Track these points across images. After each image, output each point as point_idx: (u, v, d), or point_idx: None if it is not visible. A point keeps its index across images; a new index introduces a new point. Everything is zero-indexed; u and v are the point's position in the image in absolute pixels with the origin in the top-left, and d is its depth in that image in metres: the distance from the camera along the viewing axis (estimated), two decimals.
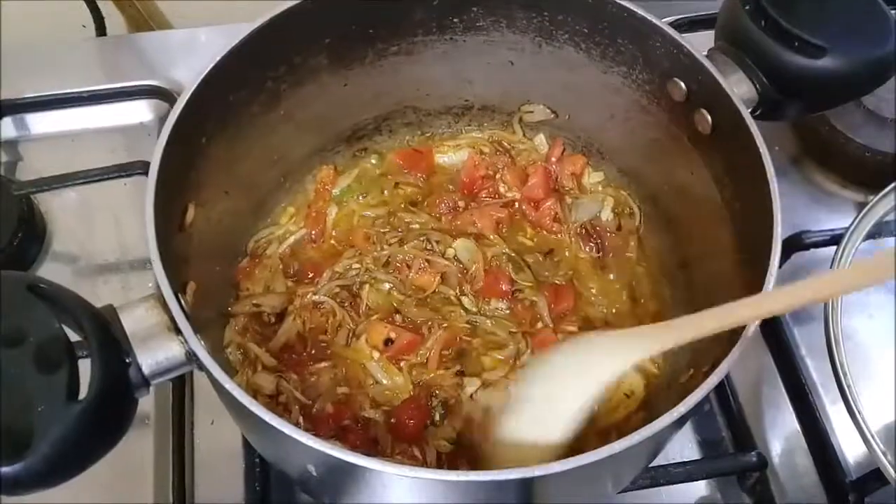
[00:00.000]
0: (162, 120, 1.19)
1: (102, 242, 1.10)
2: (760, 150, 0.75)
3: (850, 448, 0.96)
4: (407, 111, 1.05)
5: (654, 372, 0.91)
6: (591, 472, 0.65)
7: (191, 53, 1.28)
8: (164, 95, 1.21)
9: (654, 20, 0.84)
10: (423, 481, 0.61)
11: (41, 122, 1.21)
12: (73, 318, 0.62)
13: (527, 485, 0.62)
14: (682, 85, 0.85)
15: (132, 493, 0.93)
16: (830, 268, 0.93)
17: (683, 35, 0.84)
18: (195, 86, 0.77)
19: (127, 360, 0.63)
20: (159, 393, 0.96)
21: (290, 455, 0.70)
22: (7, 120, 1.19)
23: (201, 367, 0.65)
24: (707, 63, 0.81)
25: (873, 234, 0.98)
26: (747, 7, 0.85)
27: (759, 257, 0.72)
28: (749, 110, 0.79)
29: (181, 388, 0.96)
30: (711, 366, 0.67)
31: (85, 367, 0.61)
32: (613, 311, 0.97)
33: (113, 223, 1.11)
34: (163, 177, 0.72)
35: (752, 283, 0.71)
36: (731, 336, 0.69)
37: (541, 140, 1.07)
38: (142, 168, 1.07)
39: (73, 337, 0.63)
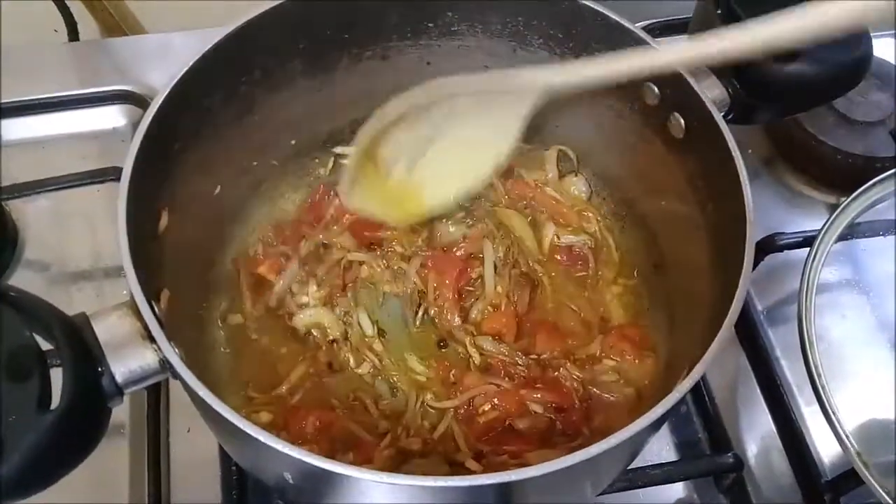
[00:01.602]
0: (135, 125, 1.17)
1: (76, 249, 1.09)
2: (733, 154, 0.76)
3: (826, 448, 0.97)
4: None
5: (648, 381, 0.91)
6: (569, 476, 0.65)
7: (164, 58, 1.27)
8: (137, 101, 1.20)
9: (628, 24, 0.84)
10: (399, 487, 0.60)
11: (12, 128, 1.19)
12: (45, 327, 0.61)
13: (504, 489, 0.62)
14: (656, 89, 0.85)
15: (107, 501, 0.91)
16: (803, 271, 0.93)
17: (657, 39, 0.84)
18: (167, 91, 0.77)
19: (100, 369, 0.62)
20: (134, 401, 0.95)
21: (266, 463, 0.69)
22: None
23: (175, 375, 0.64)
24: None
25: (845, 236, 0.99)
26: (719, 11, 0.85)
27: (732, 259, 0.73)
28: (721, 114, 0.80)
29: (156, 396, 0.95)
30: (688, 368, 0.68)
31: (57, 375, 0.60)
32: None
33: (86, 230, 1.10)
34: (135, 183, 0.71)
35: (726, 284, 0.72)
36: (706, 338, 0.69)
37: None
38: (115, 174, 1.06)
39: (45, 345, 0.62)
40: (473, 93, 0.76)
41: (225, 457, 0.91)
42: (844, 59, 0.83)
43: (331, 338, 0.92)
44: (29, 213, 1.11)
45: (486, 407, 0.87)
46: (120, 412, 0.94)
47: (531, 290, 0.96)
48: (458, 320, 0.93)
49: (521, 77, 0.73)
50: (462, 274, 0.94)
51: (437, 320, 0.94)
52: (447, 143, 0.78)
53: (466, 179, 0.80)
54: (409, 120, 0.78)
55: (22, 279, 1.07)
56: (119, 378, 0.63)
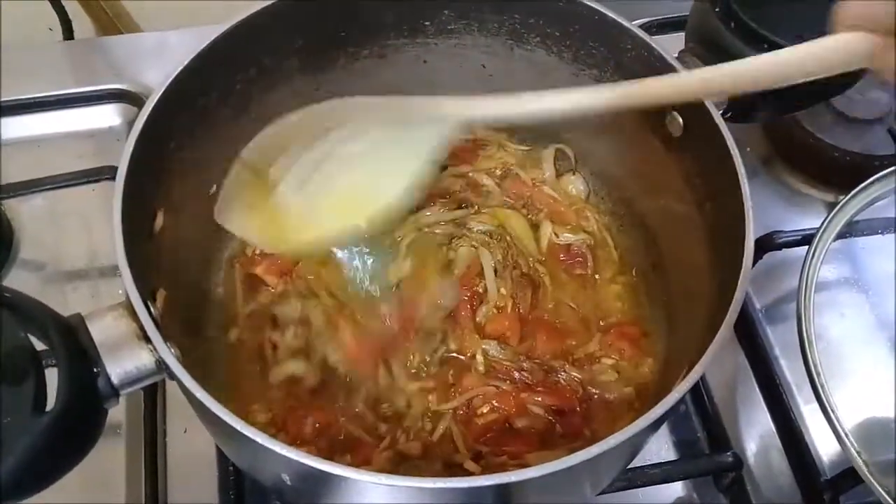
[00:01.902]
0: (131, 124, 1.16)
1: (71, 249, 1.08)
2: (732, 152, 0.75)
3: (825, 447, 0.96)
4: None
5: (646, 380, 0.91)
6: (569, 477, 0.65)
7: (160, 57, 1.26)
8: (132, 99, 1.20)
9: (625, 22, 0.84)
10: (398, 488, 0.60)
11: (7, 127, 1.19)
12: (39, 328, 0.61)
13: (504, 490, 0.62)
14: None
15: (104, 503, 0.91)
16: (802, 269, 0.93)
17: (654, 37, 0.84)
18: (163, 90, 0.76)
19: (95, 370, 0.62)
20: (131, 402, 0.95)
21: (264, 464, 0.69)
22: None
23: (172, 376, 0.63)
24: (677, 65, 0.81)
25: (844, 234, 0.99)
26: (717, 9, 0.85)
27: (731, 258, 0.72)
28: (720, 112, 0.80)
29: (153, 396, 0.94)
30: (688, 368, 0.67)
31: (52, 375, 0.60)
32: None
33: (81, 229, 1.09)
34: (131, 182, 0.70)
35: (725, 284, 0.72)
36: (705, 337, 0.69)
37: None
38: (110, 173, 1.05)
39: (39, 346, 0.62)
40: (384, 120, 0.69)
41: (222, 457, 0.90)
42: None
43: None
44: (24, 213, 1.11)
45: (485, 409, 0.86)
46: (116, 412, 0.94)
47: (533, 290, 0.95)
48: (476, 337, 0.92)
49: (438, 107, 0.68)
50: (473, 297, 0.93)
51: (456, 348, 0.92)
52: (345, 163, 0.70)
53: (366, 207, 0.69)
54: (307, 136, 0.71)
55: (17, 279, 1.06)
56: (115, 379, 0.63)
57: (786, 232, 1.06)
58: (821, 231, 0.96)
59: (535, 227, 1.02)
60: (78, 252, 1.08)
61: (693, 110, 0.80)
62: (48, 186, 1.07)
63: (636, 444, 0.76)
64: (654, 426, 0.66)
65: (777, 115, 1.10)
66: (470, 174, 1.04)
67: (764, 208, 1.17)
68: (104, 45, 1.32)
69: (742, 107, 0.84)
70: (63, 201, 1.10)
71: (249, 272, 0.95)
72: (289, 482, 0.66)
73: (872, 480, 0.82)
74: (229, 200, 0.73)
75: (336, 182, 0.70)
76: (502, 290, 0.93)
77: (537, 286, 0.96)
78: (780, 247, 1.05)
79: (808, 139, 1.18)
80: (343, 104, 0.70)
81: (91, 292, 1.05)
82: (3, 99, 1.18)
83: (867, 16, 0.52)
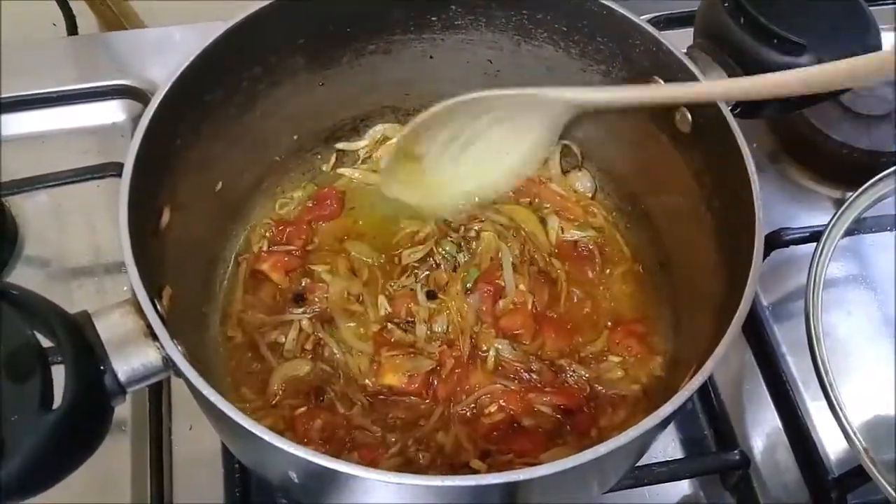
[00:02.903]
0: (135, 120, 1.18)
1: (76, 246, 1.08)
2: (742, 149, 0.75)
3: (832, 445, 0.96)
4: (386, 111, 1.04)
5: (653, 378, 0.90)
6: (576, 475, 0.64)
7: (164, 53, 1.26)
8: (137, 95, 1.19)
9: (633, 18, 0.84)
10: (406, 487, 0.60)
11: (11, 123, 1.19)
12: (46, 325, 0.60)
13: (511, 488, 0.61)
14: (662, 83, 0.84)
15: (109, 500, 0.90)
16: (810, 266, 0.92)
17: (662, 32, 0.83)
18: (168, 86, 0.76)
19: (102, 368, 0.61)
20: (136, 399, 0.95)
21: (271, 461, 0.68)
22: None
23: (178, 374, 0.63)
24: (687, 61, 0.80)
25: (852, 231, 0.98)
26: (726, 4, 0.84)
27: (739, 255, 0.72)
28: (729, 108, 0.79)
29: (158, 393, 0.94)
30: (696, 366, 0.67)
31: (58, 372, 0.59)
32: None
33: (86, 226, 1.09)
34: (136, 179, 0.70)
35: (734, 282, 0.71)
36: (713, 335, 0.68)
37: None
38: (115, 170, 1.05)
39: (46, 342, 0.61)
40: (513, 106, 0.84)
41: (228, 455, 0.90)
42: (852, 53, 0.82)
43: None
44: (28, 209, 1.11)
45: (493, 408, 0.86)
46: (122, 409, 0.93)
47: (550, 287, 0.95)
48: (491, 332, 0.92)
49: (557, 94, 0.82)
50: (496, 292, 0.93)
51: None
52: (484, 146, 0.87)
53: (499, 180, 0.90)
54: (452, 122, 0.85)
55: (22, 276, 1.06)
56: (122, 377, 0.62)
57: (793, 229, 1.05)
58: (829, 228, 0.95)
59: (543, 222, 1.01)
60: (83, 248, 1.08)
61: (702, 107, 0.80)
62: (52, 183, 1.06)
63: (644, 442, 0.75)
64: (662, 425, 0.65)
65: (785, 112, 1.09)
66: None
67: (769, 204, 1.15)
68: (108, 40, 1.32)
69: (751, 102, 0.83)
70: (67, 198, 1.10)
71: (255, 268, 0.95)
72: (296, 480, 0.66)
73: (880, 478, 0.82)
74: (390, 173, 0.90)
75: (476, 161, 0.88)
76: (522, 286, 0.93)
77: (554, 282, 0.96)
78: (787, 244, 1.04)
79: (814, 135, 1.17)
80: (483, 96, 0.83)
81: (96, 289, 1.05)
82: (7, 95, 1.18)
83: None
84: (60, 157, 1.13)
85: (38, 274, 1.07)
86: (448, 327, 0.91)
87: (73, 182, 1.06)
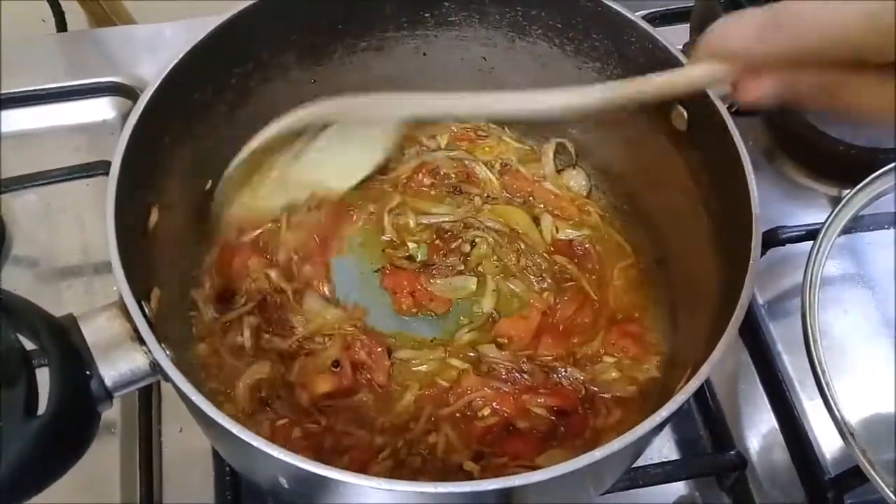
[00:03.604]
0: (125, 118, 1.15)
1: (65, 245, 1.07)
2: (738, 147, 0.74)
3: (829, 445, 0.95)
4: None
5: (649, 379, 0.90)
6: (572, 479, 0.63)
7: (155, 49, 1.25)
8: (126, 92, 1.18)
9: (628, 14, 0.83)
10: (398, 493, 0.59)
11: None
12: (31, 330, 0.59)
13: (506, 493, 0.60)
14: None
15: (98, 502, 0.89)
16: (807, 265, 0.91)
17: (657, 29, 0.82)
18: (157, 84, 0.75)
19: (88, 373, 0.60)
20: (125, 401, 0.93)
21: (260, 467, 0.67)
22: None
23: (167, 378, 0.62)
24: (682, 58, 0.80)
25: (849, 229, 0.97)
26: (722, 1, 0.84)
27: (736, 254, 0.72)
28: (726, 105, 0.78)
29: (147, 395, 0.93)
30: (692, 368, 0.66)
31: (43, 375, 0.58)
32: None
33: (75, 225, 1.08)
34: (124, 179, 0.69)
35: (731, 282, 0.70)
36: (710, 336, 0.68)
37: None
38: (104, 168, 1.03)
39: (30, 344, 0.60)
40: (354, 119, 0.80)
41: (219, 458, 0.89)
42: None
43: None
44: (17, 208, 1.09)
45: (486, 411, 0.85)
46: (111, 411, 0.91)
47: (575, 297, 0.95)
48: None
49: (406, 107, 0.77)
50: None
51: None
52: (330, 142, 0.82)
53: (350, 173, 0.86)
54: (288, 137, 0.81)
55: (10, 276, 1.04)
56: (108, 382, 0.61)
57: (790, 227, 1.04)
58: (826, 226, 0.94)
59: (536, 221, 1.01)
60: (72, 248, 1.06)
61: (699, 105, 0.79)
62: (41, 182, 1.05)
63: (640, 445, 0.75)
64: (659, 428, 0.65)
65: (781, 108, 1.08)
66: (466, 162, 1.03)
67: (765, 202, 1.14)
68: (98, 37, 1.30)
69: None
70: (56, 196, 1.09)
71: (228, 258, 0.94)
72: (286, 485, 0.65)
73: (877, 478, 0.81)
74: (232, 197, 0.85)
75: (322, 156, 0.83)
76: (546, 296, 0.94)
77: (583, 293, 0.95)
78: (783, 242, 1.04)
79: (811, 132, 1.16)
80: (325, 105, 0.79)
81: (85, 289, 1.03)
82: None
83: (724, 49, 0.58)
84: (49, 155, 1.11)
85: (26, 274, 1.05)
86: None
87: (61, 181, 1.05)
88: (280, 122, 0.79)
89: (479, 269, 0.96)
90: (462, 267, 0.96)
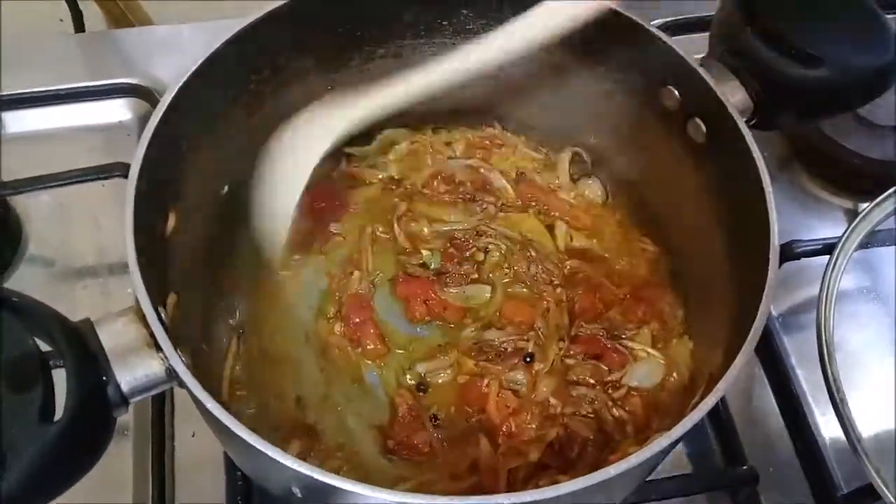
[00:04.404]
0: (142, 119, 1.17)
1: (80, 246, 1.07)
2: (756, 161, 0.74)
3: (842, 460, 0.95)
4: (394, 116, 1.02)
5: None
6: (584, 495, 0.63)
7: (172, 51, 1.25)
8: (143, 94, 1.18)
9: (648, 26, 0.83)
10: None
11: (16, 121, 1.18)
12: (48, 334, 0.59)
13: None
14: (676, 92, 0.83)
15: None
16: (823, 280, 0.91)
17: (674, 38, 0.82)
18: (176, 89, 0.75)
19: (104, 378, 0.60)
20: (139, 404, 0.91)
21: (274, 475, 0.67)
22: None
23: (182, 385, 0.62)
24: (701, 70, 0.79)
25: (865, 244, 0.96)
26: (743, 13, 0.83)
27: (751, 268, 0.71)
28: (744, 119, 0.78)
29: (161, 399, 0.93)
30: (708, 382, 0.66)
31: (60, 378, 0.58)
32: None
33: (91, 226, 1.08)
34: (143, 184, 0.69)
35: (746, 297, 0.70)
36: (726, 350, 0.67)
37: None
38: (121, 170, 1.04)
39: (46, 347, 0.60)
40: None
41: (230, 463, 0.89)
42: (870, 65, 0.81)
43: None
44: (33, 209, 1.10)
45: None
46: (124, 415, 0.93)
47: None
48: None
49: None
50: None
51: None
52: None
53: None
54: None
55: (26, 276, 1.05)
56: (124, 387, 0.61)
57: (805, 241, 1.04)
58: (842, 241, 0.94)
59: (550, 229, 1.00)
60: (87, 249, 1.07)
61: (717, 117, 0.79)
62: (57, 183, 1.05)
63: (654, 462, 0.74)
64: (673, 445, 0.64)
65: (802, 123, 1.08)
66: (482, 170, 1.03)
67: (780, 213, 1.14)
68: (115, 38, 1.30)
69: (767, 114, 0.82)
70: (72, 197, 1.09)
71: None
72: (299, 495, 0.65)
73: (891, 497, 0.81)
74: None
75: None
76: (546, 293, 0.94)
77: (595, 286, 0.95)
78: (799, 256, 1.03)
79: (828, 145, 1.16)
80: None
81: (101, 290, 1.04)
82: (13, 92, 1.17)
83: None
84: (66, 155, 1.11)
85: (42, 274, 1.06)
86: None
87: (78, 182, 1.05)
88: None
89: (490, 276, 0.96)
90: (476, 275, 0.95)
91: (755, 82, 0.81)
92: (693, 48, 0.83)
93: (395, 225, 0.98)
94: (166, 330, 0.63)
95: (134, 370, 0.62)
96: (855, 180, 1.16)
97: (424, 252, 0.97)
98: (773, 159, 1.21)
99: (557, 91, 0.97)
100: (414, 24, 0.91)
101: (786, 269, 1.05)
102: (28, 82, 1.19)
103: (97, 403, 0.60)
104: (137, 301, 0.63)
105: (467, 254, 0.97)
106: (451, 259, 0.96)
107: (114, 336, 0.62)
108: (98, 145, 1.16)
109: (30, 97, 1.18)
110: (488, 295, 0.94)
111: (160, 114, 0.73)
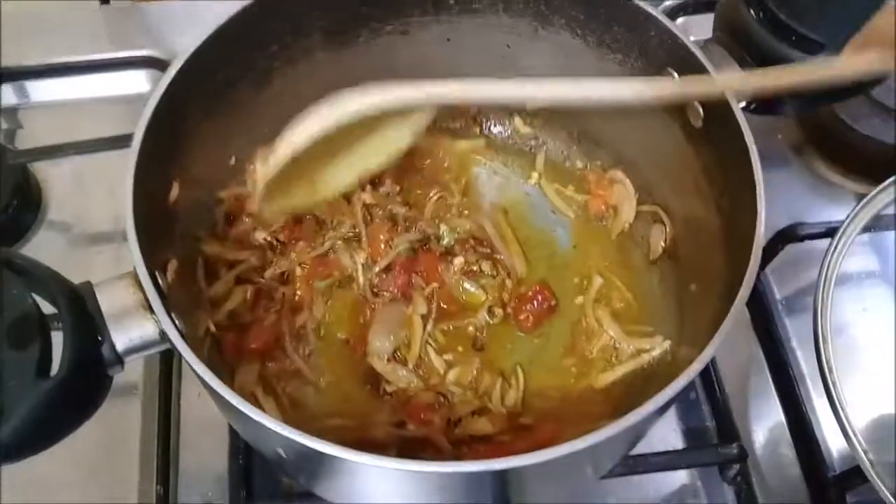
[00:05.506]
0: None
1: (97, 213, 1.10)
2: (748, 145, 0.74)
3: (836, 442, 0.96)
4: None
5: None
6: (570, 461, 0.64)
7: (194, 24, 1.25)
8: (162, 66, 1.20)
9: (649, 9, 0.83)
10: (394, 471, 0.60)
11: (41, 90, 1.22)
12: (49, 294, 0.63)
13: (502, 475, 0.62)
14: (676, 75, 0.84)
15: (118, 460, 0.93)
16: (822, 263, 0.91)
17: (680, 20, 0.83)
18: (183, 61, 0.77)
19: (100, 338, 0.63)
20: (149, 363, 0.97)
21: (261, 438, 0.70)
22: (6, 87, 1.19)
23: (174, 347, 0.65)
24: (699, 54, 0.80)
25: (869, 228, 0.96)
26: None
27: (744, 252, 0.72)
28: (744, 104, 0.78)
29: (168, 359, 0.97)
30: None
31: (59, 339, 0.61)
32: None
33: (108, 194, 1.11)
34: (146, 152, 0.72)
35: (738, 276, 0.71)
36: (715, 321, 0.68)
37: None
38: None
39: (48, 308, 0.63)
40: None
41: None
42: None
43: None
44: (53, 175, 1.13)
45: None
46: (133, 374, 0.97)
47: None
48: None
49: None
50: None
51: None
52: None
53: (370, 163, 0.81)
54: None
55: (44, 240, 1.09)
56: (119, 347, 0.64)
57: (809, 224, 1.04)
58: (844, 226, 0.94)
59: None
60: (104, 215, 1.10)
61: (714, 102, 0.79)
62: (76, 151, 1.08)
63: (641, 429, 0.76)
64: (660, 412, 0.65)
65: (804, 110, 1.07)
66: None
67: (793, 196, 1.15)
68: (139, 11, 1.32)
69: (768, 99, 0.83)
70: (92, 165, 1.12)
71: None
72: (285, 457, 0.67)
73: (877, 479, 0.81)
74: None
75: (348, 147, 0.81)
76: None
77: None
78: (802, 239, 1.03)
79: (841, 128, 1.15)
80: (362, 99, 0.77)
81: (115, 255, 1.07)
82: (37, 62, 1.20)
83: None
84: (87, 125, 1.15)
85: (60, 239, 1.09)
86: None
87: (95, 151, 1.08)
88: (320, 120, 0.77)
89: None
90: None
91: (756, 67, 0.81)
92: (700, 30, 0.84)
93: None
94: (163, 294, 0.65)
95: (129, 331, 0.65)
96: (867, 164, 1.15)
97: None
98: (785, 142, 1.20)
99: (564, 72, 0.96)
100: (421, 1, 0.92)
101: (791, 251, 1.05)
102: (53, 52, 1.21)
103: (92, 361, 0.63)
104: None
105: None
106: None
107: (112, 298, 0.65)
108: (118, 115, 1.19)
109: (54, 67, 1.21)
110: None
111: (165, 84, 0.77)
